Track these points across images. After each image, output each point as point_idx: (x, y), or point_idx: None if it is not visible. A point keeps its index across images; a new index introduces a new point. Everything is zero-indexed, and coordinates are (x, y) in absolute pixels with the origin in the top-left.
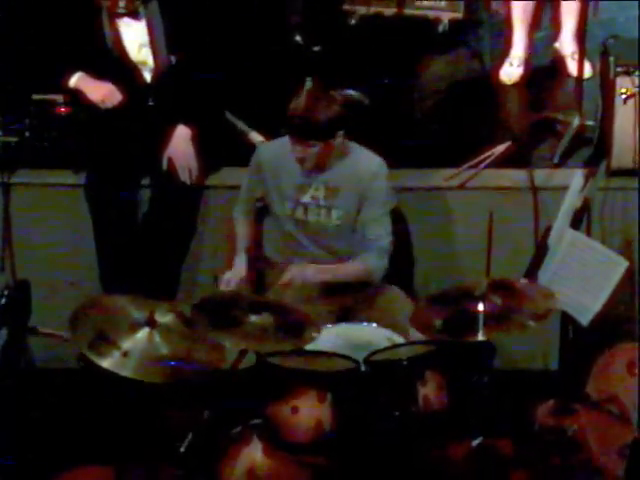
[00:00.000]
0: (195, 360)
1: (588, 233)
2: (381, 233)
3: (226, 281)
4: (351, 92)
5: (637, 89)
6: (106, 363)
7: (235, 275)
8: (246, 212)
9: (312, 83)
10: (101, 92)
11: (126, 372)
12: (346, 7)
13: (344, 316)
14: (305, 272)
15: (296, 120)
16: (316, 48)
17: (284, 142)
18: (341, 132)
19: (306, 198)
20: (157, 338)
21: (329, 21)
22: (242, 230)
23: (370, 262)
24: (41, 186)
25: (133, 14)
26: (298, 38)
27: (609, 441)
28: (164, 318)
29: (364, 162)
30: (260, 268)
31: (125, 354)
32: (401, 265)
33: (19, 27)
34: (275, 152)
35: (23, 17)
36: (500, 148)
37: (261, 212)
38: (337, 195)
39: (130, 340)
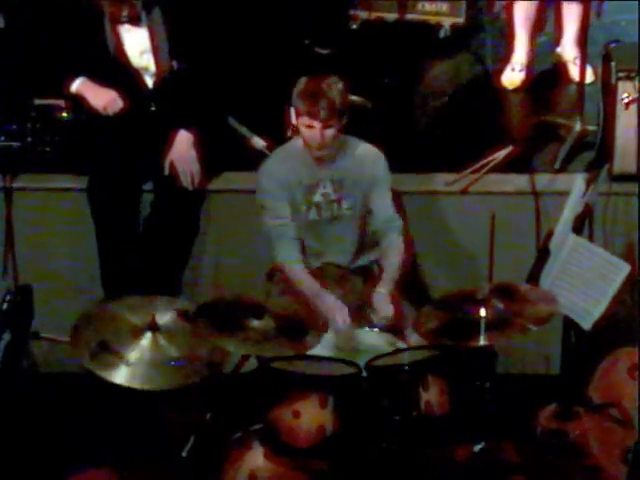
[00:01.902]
0: (199, 359)
1: (590, 238)
2: (394, 215)
3: (342, 319)
4: (354, 96)
5: (639, 94)
6: (116, 378)
7: (344, 311)
8: (297, 251)
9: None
10: (103, 99)
11: (136, 384)
12: (348, 12)
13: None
14: (385, 297)
15: (316, 102)
16: (325, 51)
17: (286, 151)
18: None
19: (317, 198)
20: (161, 341)
21: (338, 24)
22: (305, 276)
23: (397, 242)
24: (43, 190)
25: (135, 20)
26: (306, 41)
27: (611, 445)
28: (164, 318)
29: (363, 150)
30: None
31: (128, 362)
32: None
33: (22, 32)
34: (279, 163)
35: (26, 22)
36: (502, 153)
37: None
38: (343, 186)
39: (134, 348)
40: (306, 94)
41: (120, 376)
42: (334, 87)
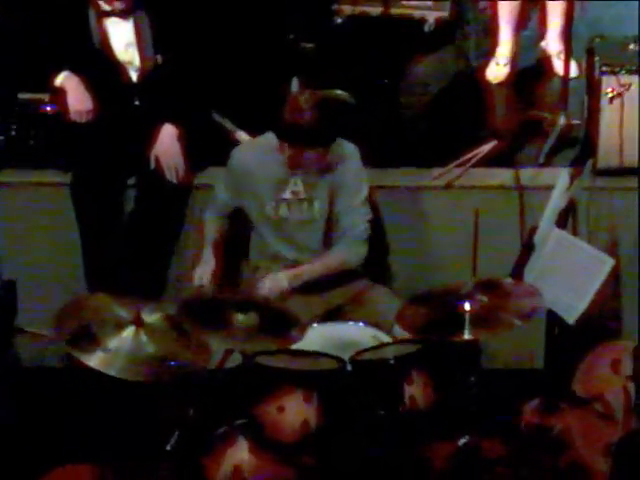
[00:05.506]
0: (181, 359)
1: (574, 232)
2: (355, 221)
3: (199, 277)
4: (338, 91)
5: (623, 89)
6: (92, 361)
7: (206, 269)
8: (217, 213)
9: (299, 84)
10: (79, 105)
11: (112, 371)
12: (332, 6)
13: (331, 315)
14: (280, 281)
15: (312, 130)
16: (309, 45)
17: (259, 143)
18: None
19: (287, 194)
20: (143, 337)
21: (322, 19)
22: (211, 227)
23: (345, 251)
24: (27, 185)
25: (124, 13)
26: (291, 36)
27: (594, 439)
28: (150, 318)
29: (337, 150)
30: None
31: (108, 350)
32: (381, 263)
33: (6, 25)
34: (249, 154)
35: (10, 15)
36: (486, 147)
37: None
38: (316, 187)
39: (116, 339)
40: (308, 129)
41: (95, 361)
42: (332, 109)
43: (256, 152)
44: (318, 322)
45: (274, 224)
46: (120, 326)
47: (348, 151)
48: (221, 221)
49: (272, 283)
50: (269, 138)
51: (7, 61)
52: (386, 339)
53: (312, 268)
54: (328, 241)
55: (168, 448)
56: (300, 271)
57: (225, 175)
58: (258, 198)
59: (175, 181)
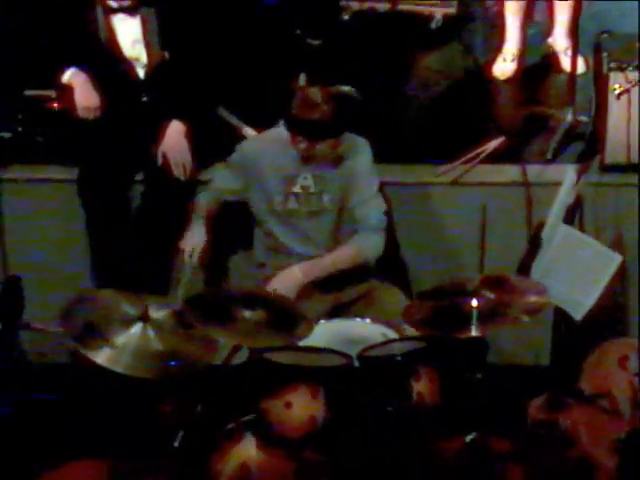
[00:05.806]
0: (188, 356)
1: (581, 228)
2: (371, 212)
3: (189, 253)
4: (344, 87)
5: (630, 85)
6: (98, 358)
7: (197, 244)
8: (211, 199)
9: (306, 80)
10: (86, 102)
11: (118, 368)
12: (340, 2)
13: (338, 312)
14: (294, 275)
15: (323, 122)
16: (316, 42)
17: (267, 137)
18: None
19: (297, 189)
20: (150, 333)
21: (330, 15)
22: (203, 204)
23: (361, 242)
24: (34, 181)
25: (132, 9)
26: (298, 32)
27: (601, 436)
28: (157, 314)
29: (347, 143)
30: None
31: (115, 347)
32: (394, 263)
33: (13, 22)
34: (258, 147)
35: (16, 12)
36: (493, 143)
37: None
38: (326, 180)
39: (122, 335)
40: (318, 121)
41: (102, 357)
42: (340, 101)
43: (265, 146)
44: (325, 319)
45: (282, 217)
46: (127, 322)
47: (359, 144)
48: (213, 203)
49: (286, 278)
50: (278, 132)
51: (13, 58)
52: (393, 336)
53: (328, 260)
54: (339, 236)
55: (175, 445)
56: (315, 263)
57: (231, 167)
58: (266, 191)
59: (182, 178)
